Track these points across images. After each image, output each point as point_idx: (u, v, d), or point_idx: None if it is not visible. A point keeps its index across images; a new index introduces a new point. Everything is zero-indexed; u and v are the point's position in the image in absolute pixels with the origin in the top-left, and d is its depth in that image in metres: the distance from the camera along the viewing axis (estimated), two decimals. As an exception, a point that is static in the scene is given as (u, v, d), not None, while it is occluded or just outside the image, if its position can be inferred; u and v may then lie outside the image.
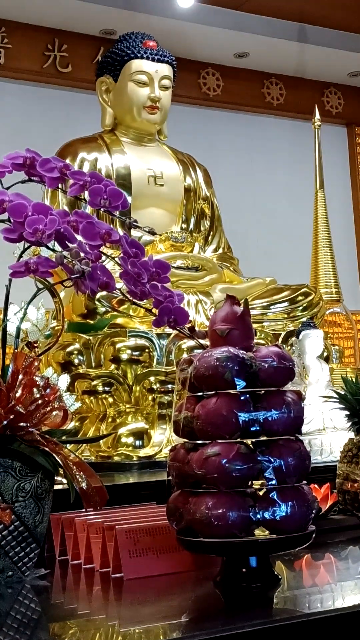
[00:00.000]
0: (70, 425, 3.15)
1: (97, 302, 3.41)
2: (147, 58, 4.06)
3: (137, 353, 3.27)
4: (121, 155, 4.10)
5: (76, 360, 3.33)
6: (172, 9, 5.99)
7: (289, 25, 6.52)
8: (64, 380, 2.60)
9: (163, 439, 3.17)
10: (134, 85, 4.06)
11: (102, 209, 1.71)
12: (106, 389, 3.26)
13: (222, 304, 1.60)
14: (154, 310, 1.69)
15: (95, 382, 3.25)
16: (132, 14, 5.87)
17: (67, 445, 1.89)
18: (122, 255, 1.68)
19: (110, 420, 3.27)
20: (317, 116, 4.93)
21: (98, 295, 3.37)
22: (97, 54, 6.08)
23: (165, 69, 4.11)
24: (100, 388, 3.26)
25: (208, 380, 1.51)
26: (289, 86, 7.09)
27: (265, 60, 6.79)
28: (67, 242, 1.65)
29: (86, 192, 1.71)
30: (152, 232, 1.71)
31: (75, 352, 3.34)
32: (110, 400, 3.28)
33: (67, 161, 1.87)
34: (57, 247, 1.68)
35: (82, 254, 1.61)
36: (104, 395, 3.27)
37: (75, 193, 1.68)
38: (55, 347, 3.29)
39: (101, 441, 3.20)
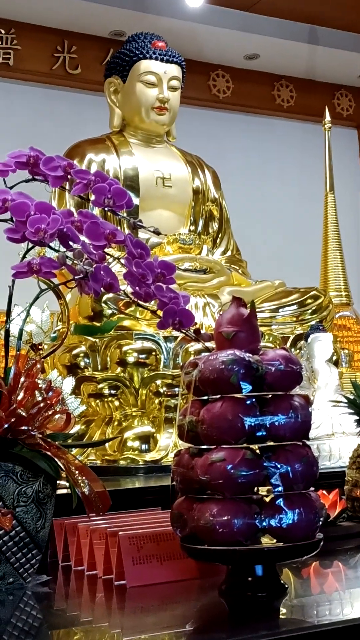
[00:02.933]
0: (76, 428, 3.13)
1: (103, 305, 3.39)
2: (156, 59, 4.04)
3: (143, 356, 3.25)
4: (129, 156, 4.08)
5: (82, 363, 3.31)
6: (182, 10, 5.97)
7: (300, 27, 6.50)
8: (68, 383, 2.57)
9: (169, 443, 3.14)
10: (143, 86, 4.04)
11: (107, 209, 1.68)
12: (112, 392, 3.23)
13: (228, 306, 1.56)
14: (158, 312, 1.66)
15: (101, 385, 3.23)
16: (141, 15, 5.85)
17: (72, 449, 1.86)
18: (126, 255, 1.64)
19: (116, 423, 3.25)
20: (328, 118, 4.91)
21: (104, 298, 3.35)
22: (107, 55, 6.07)
23: (174, 70, 4.08)
24: (106, 391, 3.23)
25: (213, 383, 1.48)
26: (300, 88, 7.07)
27: (276, 62, 6.77)
28: (70, 242, 1.62)
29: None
30: (156, 232, 1.68)
31: (82, 354, 3.32)
32: (117, 403, 3.26)
33: (75, 162, 1.84)
34: (63, 248, 1.65)
35: (85, 254, 1.58)
36: (110, 399, 3.24)
37: (79, 192, 1.64)
38: (61, 350, 3.27)
39: (107, 445, 3.17)
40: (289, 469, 1.44)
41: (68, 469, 1.65)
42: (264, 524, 1.43)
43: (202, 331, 1.74)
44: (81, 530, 1.85)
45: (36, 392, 1.65)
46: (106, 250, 1.66)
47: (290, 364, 1.50)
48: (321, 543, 1.50)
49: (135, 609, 1.58)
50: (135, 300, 1.67)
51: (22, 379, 1.64)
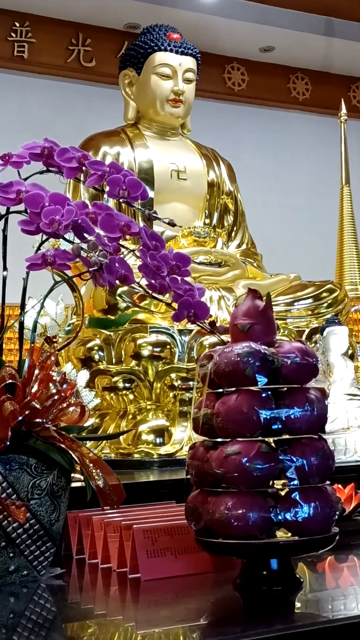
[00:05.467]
0: (90, 422, 3.12)
1: (118, 298, 3.38)
2: (171, 50, 4.02)
3: (158, 349, 3.24)
4: (144, 149, 4.07)
5: (97, 356, 3.30)
6: (197, 2, 5.95)
7: (316, 19, 6.46)
8: (82, 376, 2.56)
9: (184, 437, 3.13)
10: (157, 78, 4.02)
11: (121, 200, 1.66)
12: (127, 385, 3.23)
13: (244, 299, 1.55)
14: (173, 304, 1.65)
15: (115, 379, 3.22)
16: (156, 7, 5.83)
17: (86, 442, 1.85)
18: (141, 247, 1.63)
19: (130, 417, 3.24)
20: (344, 111, 4.88)
21: (119, 291, 3.34)
22: (121, 48, 6.05)
23: (189, 62, 4.06)
24: (120, 384, 3.23)
25: (228, 376, 1.47)
26: (315, 81, 7.03)
27: (291, 55, 6.73)
28: (84, 233, 1.61)
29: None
30: (171, 224, 1.67)
31: (96, 347, 3.31)
32: (131, 396, 3.25)
33: (89, 154, 1.83)
34: (77, 240, 1.64)
35: (99, 246, 1.56)
36: (124, 392, 3.24)
37: (93, 183, 1.63)
38: (76, 343, 3.26)
39: (121, 438, 3.16)
40: (304, 462, 1.43)
41: (82, 461, 1.64)
42: (280, 517, 1.42)
43: (217, 324, 1.73)
44: (95, 523, 1.84)
45: (50, 384, 1.64)
46: (121, 242, 1.65)
47: (306, 356, 1.48)
48: (337, 537, 1.49)
49: (150, 603, 1.57)
50: (150, 292, 1.66)
51: (36, 372, 1.63)
